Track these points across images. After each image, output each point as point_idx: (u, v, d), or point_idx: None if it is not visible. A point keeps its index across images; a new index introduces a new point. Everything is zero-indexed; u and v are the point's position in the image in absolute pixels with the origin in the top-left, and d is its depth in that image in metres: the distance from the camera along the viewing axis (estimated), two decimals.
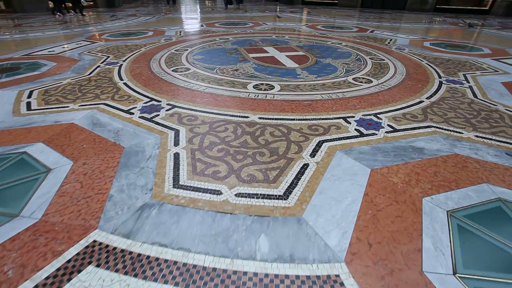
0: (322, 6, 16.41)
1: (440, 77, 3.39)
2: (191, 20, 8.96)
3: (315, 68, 3.60)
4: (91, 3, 14.38)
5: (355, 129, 2.10)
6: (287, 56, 4.18)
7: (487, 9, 12.59)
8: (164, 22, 8.40)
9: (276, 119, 2.24)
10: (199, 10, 13.43)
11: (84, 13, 11.18)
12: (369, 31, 6.92)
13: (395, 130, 2.10)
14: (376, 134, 2.03)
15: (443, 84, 3.12)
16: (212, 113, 2.34)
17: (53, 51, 4.66)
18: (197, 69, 3.52)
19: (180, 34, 6.13)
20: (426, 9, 13.30)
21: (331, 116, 2.29)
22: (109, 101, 2.59)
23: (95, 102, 2.57)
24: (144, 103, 2.55)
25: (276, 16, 10.10)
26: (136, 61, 3.97)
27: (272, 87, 2.90)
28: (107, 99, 2.63)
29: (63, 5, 10.98)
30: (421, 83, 3.15)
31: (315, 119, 2.24)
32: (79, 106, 2.51)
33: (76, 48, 4.87)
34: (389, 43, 5.47)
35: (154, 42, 5.25)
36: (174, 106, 2.47)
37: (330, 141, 1.93)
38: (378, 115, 2.33)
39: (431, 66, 3.84)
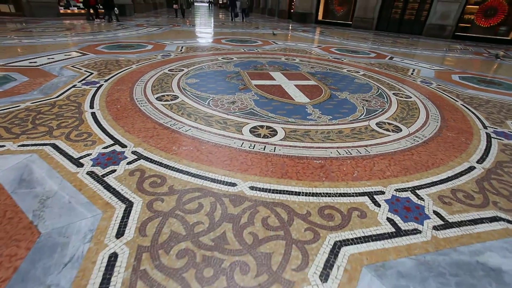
0: (336, 26, 16.05)
1: (485, 126, 2.72)
2: (197, 34, 8.54)
3: (329, 105, 2.97)
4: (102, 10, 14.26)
5: (388, 219, 1.43)
6: (296, 85, 3.57)
7: (510, 39, 11.98)
8: (168, 35, 7.98)
9: (274, 191, 1.58)
10: (209, 23, 13.14)
11: (120, 20, 11.65)
12: (388, 57, 6.33)
13: (447, 224, 1.43)
14: (420, 232, 1.36)
15: (492, 139, 2.45)
16: (188, 173, 1.70)
17: (35, 62, 4.16)
18: (187, 98, 2.92)
19: (180, 50, 5.62)
20: (444, 36, 12.76)
21: (352, 191, 1.63)
22: (61, 141, 1.98)
23: (42, 142, 1.97)
24: (104, 147, 1.94)
25: (272, 33, 9.63)
26: (120, 81, 3.41)
27: (274, 133, 2.26)
28: (60, 137, 2.03)
29: (93, 11, 11.55)
30: (463, 135, 2.49)
31: (330, 195, 1.58)
32: (19, 146, 1.91)
33: (62, 60, 4.37)
34: (412, 73, 4.84)
35: (150, 58, 4.73)
36: (140, 157, 1.84)
37: (351, 244, 1.27)
38: (417, 191, 1.66)
39: (469, 109, 3.18)
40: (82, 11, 14.73)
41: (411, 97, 3.46)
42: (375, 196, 1.59)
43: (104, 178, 1.61)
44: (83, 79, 3.43)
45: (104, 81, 3.39)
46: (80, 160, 1.77)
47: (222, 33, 9.49)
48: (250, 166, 1.80)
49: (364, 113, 2.82)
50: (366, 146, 2.15)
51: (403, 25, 14.16)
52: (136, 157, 1.85)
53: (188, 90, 3.19)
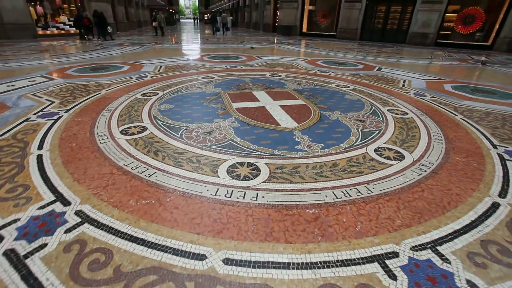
0: (320, 37, 16.14)
1: (494, 145, 2.43)
2: (179, 51, 8.24)
3: (319, 129, 2.63)
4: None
5: None
6: (282, 106, 3.24)
7: (489, 44, 12.19)
8: (149, 54, 7.65)
9: (255, 264, 1.19)
10: (193, 39, 12.93)
11: (114, 38, 11.86)
12: (376, 68, 6.15)
13: None
14: None
15: (506, 161, 2.15)
16: (144, 242, 1.30)
17: None
18: (156, 130, 2.53)
19: (158, 70, 5.27)
20: (427, 43, 12.92)
21: (357, 255, 1.25)
22: None
23: None
24: (40, 207, 1.52)
25: (250, 47, 9.45)
26: (84, 111, 3.00)
27: (256, 172, 1.89)
28: None
29: (87, 31, 11.61)
30: (474, 158, 2.17)
31: (329, 264, 1.20)
32: None
33: (23, 87, 3.94)
34: (403, 85, 4.61)
35: (123, 81, 4.35)
36: (84, 220, 1.43)
37: None
38: (439, 248, 1.30)
39: (471, 125, 2.90)
40: (62, 32, 14.35)
41: (407, 114, 3.17)
42: (387, 262, 1.22)
43: (26, 260, 1.19)
44: (40, 110, 3.01)
45: (65, 112, 2.97)
46: (2, 231, 1.35)
47: (205, 49, 9.24)
48: (226, 225, 1.41)
49: (360, 137, 2.49)
50: (367, 182, 1.79)
51: (386, 34, 14.32)
52: (79, 220, 1.43)
53: (160, 118, 2.80)
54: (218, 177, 1.82)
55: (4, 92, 3.71)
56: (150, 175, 1.83)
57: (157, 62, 6.22)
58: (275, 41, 13.13)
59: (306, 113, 3.03)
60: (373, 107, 3.34)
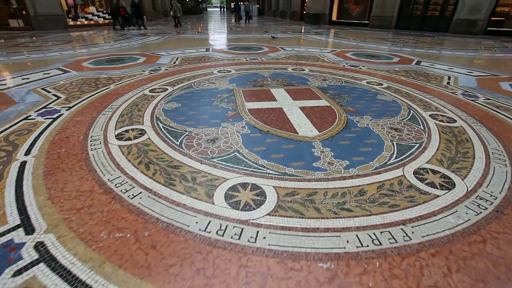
0: (351, 26, 15.05)
1: None
2: (199, 42, 7.94)
3: (344, 139, 2.18)
4: (107, 21, 14.13)
5: None
6: (302, 108, 2.81)
7: None
8: (168, 44, 7.44)
9: None
10: (217, 29, 12.58)
11: (147, 27, 12.16)
12: (414, 62, 5.41)
13: None
14: None
15: None
16: None
17: (4, 84, 3.67)
18: (155, 135, 2.24)
19: (174, 62, 5.01)
20: (475, 32, 11.46)
21: None
22: None
23: None
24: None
25: (271, 37, 8.83)
26: (86, 109, 2.80)
27: (260, 198, 1.52)
28: None
29: (120, 20, 11.93)
30: None
31: None
32: None
33: (36, 80, 3.86)
34: (448, 83, 3.94)
35: (135, 74, 4.13)
36: (41, 258, 1.17)
37: None
38: None
39: None
40: (92, 22, 14.69)
41: (455, 121, 2.60)
42: None
43: None
44: (44, 107, 2.85)
45: (67, 109, 2.79)
46: None
47: (227, 39, 8.87)
48: (209, 281, 1.07)
49: (395, 152, 2.01)
50: (404, 222, 1.36)
51: (427, 22, 12.94)
52: (36, 256, 1.17)
53: (162, 120, 2.51)
54: (213, 203, 1.48)
55: (17, 85, 3.64)
56: (134, 196, 1.53)
57: (175, 53, 5.97)
58: (302, 30, 12.41)
59: (329, 118, 2.58)
60: (411, 111, 2.80)
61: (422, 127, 2.44)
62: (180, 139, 2.17)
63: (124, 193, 1.56)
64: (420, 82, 3.93)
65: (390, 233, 1.30)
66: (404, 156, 1.97)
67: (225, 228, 1.32)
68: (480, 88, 3.74)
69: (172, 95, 3.20)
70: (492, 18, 11.38)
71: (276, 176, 1.71)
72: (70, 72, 4.34)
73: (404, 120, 2.58)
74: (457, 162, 1.90)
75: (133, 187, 1.61)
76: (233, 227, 1.33)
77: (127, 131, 2.32)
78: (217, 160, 1.89)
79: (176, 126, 2.40)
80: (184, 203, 1.49)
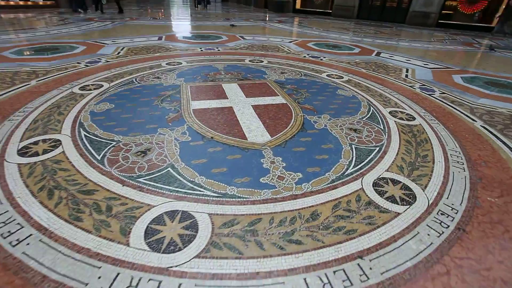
0: (315, 15, 14.97)
1: None
2: (152, 29, 7.22)
3: (299, 145, 1.94)
4: (48, 2, 12.45)
5: None
6: (255, 107, 2.51)
7: (493, 26, 11.35)
8: (117, 31, 6.65)
9: None
10: (174, 15, 11.69)
11: (104, 11, 10.84)
12: (374, 53, 5.37)
13: None
14: None
15: None
16: None
17: None
18: (72, 148, 1.81)
19: (118, 53, 4.40)
20: (428, 24, 11.99)
21: None
22: None
23: None
24: None
25: (230, 25, 8.43)
26: None
27: (191, 231, 1.21)
28: None
29: (77, 3, 10.62)
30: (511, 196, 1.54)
31: None
32: None
33: None
34: (407, 76, 3.89)
35: (66, 68, 3.51)
36: None
37: None
38: None
39: (495, 136, 2.25)
40: (29, 3, 12.81)
41: (414, 118, 2.49)
42: None
43: None
44: None
45: None
46: None
47: (184, 26, 8.22)
48: None
49: (353, 158, 1.81)
50: (360, 255, 1.14)
51: (386, 13, 13.27)
52: None
53: (87, 127, 2.06)
54: (128, 245, 1.15)
55: None
56: (19, 242, 1.14)
57: (122, 42, 5.31)
58: (265, 18, 12.01)
59: (284, 118, 2.32)
60: (371, 108, 2.65)
61: (382, 127, 2.29)
62: (103, 152, 1.76)
63: (5, 237, 1.16)
64: (380, 75, 3.84)
65: (344, 272, 1.07)
66: (363, 163, 1.77)
67: (137, 283, 1.00)
68: (435, 81, 3.73)
69: (106, 93, 2.72)
70: (443, 12, 11.97)
71: (214, 198, 1.41)
72: None
73: (364, 119, 2.40)
74: (418, 168, 1.75)
75: (21, 228, 1.21)
76: (148, 280, 1.01)
77: (36, 142, 1.85)
78: (145, 179, 1.53)
79: (102, 134, 1.97)
80: (88, 247, 1.13)
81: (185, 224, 1.25)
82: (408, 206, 1.42)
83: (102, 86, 2.91)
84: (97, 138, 1.91)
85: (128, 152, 1.77)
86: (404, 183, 1.60)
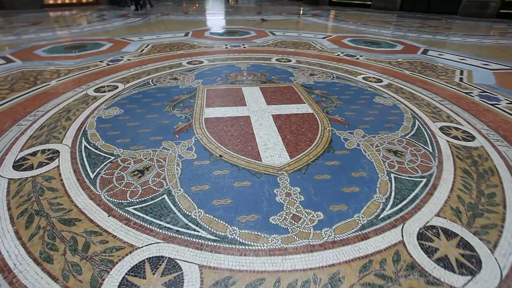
0: (353, 8, 13.98)
1: None
2: (180, 25, 7.12)
3: (324, 171, 1.59)
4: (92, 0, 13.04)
5: None
6: (276, 117, 2.19)
7: None
8: (146, 27, 6.65)
9: None
10: (205, 10, 11.60)
11: (152, 5, 11.26)
12: (420, 50, 4.70)
13: None
14: None
15: None
16: None
17: None
18: (68, 162, 1.65)
19: (141, 50, 4.31)
20: (487, 15, 10.53)
21: None
22: None
23: None
24: None
25: (261, 20, 7.92)
26: (1, 116, 2.19)
27: None
28: None
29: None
30: None
31: None
32: None
33: None
34: (461, 79, 3.29)
35: (88, 67, 3.47)
36: None
37: None
38: None
39: None
40: (74, 1, 13.58)
41: (474, 138, 1.99)
42: None
43: None
44: None
45: None
46: None
47: (213, 21, 8.03)
48: None
49: (392, 193, 1.43)
50: None
51: (434, 3, 11.93)
52: None
53: (89, 136, 1.91)
54: None
55: None
56: None
57: (148, 39, 5.24)
58: (299, 11, 11.44)
59: (309, 133, 1.97)
60: (416, 122, 2.19)
61: (430, 148, 1.84)
62: (98, 169, 1.57)
63: None
64: (428, 78, 3.28)
65: None
66: (405, 202, 1.38)
67: None
68: (500, 86, 3.09)
69: (119, 96, 2.57)
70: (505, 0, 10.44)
71: (209, 243, 1.14)
72: (14, 62, 3.68)
73: (407, 137, 1.97)
74: (482, 215, 1.32)
75: None
76: None
77: (35, 153, 1.73)
78: (135, 208, 1.31)
79: (103, 146, 1.80)
80: None
81: (168, 279, 0.99)
82: (469, 278, 1.02)
83: (117, 87, 2.78)
84: (96, 151, 1.74)
85: (125, 171, 1.56)
86: (462, 237, 1.19)
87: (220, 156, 1.69)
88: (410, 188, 1.47)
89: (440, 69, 3.68)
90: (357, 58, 4.09)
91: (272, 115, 2.22)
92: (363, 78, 3.22)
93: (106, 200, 1.35)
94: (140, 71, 3.31)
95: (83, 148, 1.77)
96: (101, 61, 3.71)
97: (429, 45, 5.14)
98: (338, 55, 4.27)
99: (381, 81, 3.12)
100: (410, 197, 1.41)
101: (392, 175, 1.57)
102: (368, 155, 1.74)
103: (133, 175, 1.53)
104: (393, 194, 1.43)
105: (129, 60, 3.80)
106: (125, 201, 1.35)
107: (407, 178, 1.55)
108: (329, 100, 2.55)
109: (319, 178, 1.53)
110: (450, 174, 1.60)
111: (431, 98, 2.70)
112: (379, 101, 2.57)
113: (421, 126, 2.12)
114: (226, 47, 4.60)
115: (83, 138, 1.88)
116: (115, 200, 1.35)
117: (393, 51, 4.61)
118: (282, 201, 1.36)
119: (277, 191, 1.42)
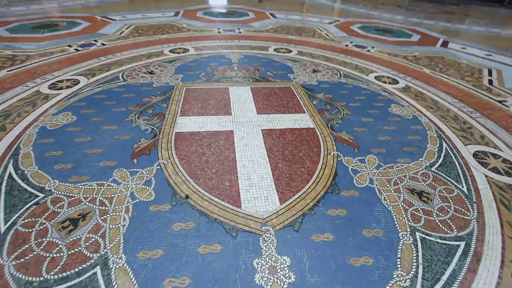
0: None
1: None
2: (171, 3, 6.41)
3: (325, 227, 1.16)
4: None
5: None
6: (266, 133, 1.73)
7: None
8: (133, 3, 5.96)
9: None
10: None
11: None
12: (440, 42, 4.14)
13: None
14: None
15: None
16: None
17: None
18: None
19: (121, 32, 3.75)
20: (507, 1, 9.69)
21: None
22: None
23: None
24: None
25: (258, 0, 7.15)
26: None
27: None
28: None
29: None
30: None
31: None
32: None
33: None
34: (491, 81, 2.79)
35: (52, 52, 2.94)
36: None
37: None
38: None
39: None
40: None
41: None
42: None
43: None
44: None
45: None
46: None
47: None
48: None
49: (419, 271, 1.01)
50: None
51: None
52: None
53: (21, 157, 1.46)
54: None
55: None
56: None
57: (132, 18, 4.63)
58: None
59: (307, 161, 1.52)
60: (444, 145, 1.74)
61: (465, 188, 1.41)
62: (16, 216, 1.14)
63: None
64: (451, 80, 2.78)
65: None
66: (437, 283, 0.97)
67: None
68: None
69: (77, 95, 2.09)
70: None
71: None
72: None
73: (433, 169, 1.53)
74: None
75: None
76: None
77: None
78: None
79: (34, 175, 1.35)
80: None
81: None
82: None
83: (78, 82, 2.29)
84: (22, 184, 1.30)
85: (52, 220, 1.13)
86: None
87: (187, 197, 1.26)
88: (444, 260, 1.06)
89: (464, 67, 3.17)
90: (368, 50, 3.55)
91: (262, 129, 1.76)
92: (376, 77, 2.72)
93: (8, 276, 0.93)
94: (112, 60, 2.79)
95: (6, 177, 1.33)
96: (69, 46, 3.17)
97: (449, 35, 4.56)
98: (347, 45, 3.72)
99: (397, 82, 2.62)
100: (444, 278, 1.00)
101: (417, 234, 1.15)
102: (385, 199, 1.31)
103: (62, 228, 1.10)
104: (420, 270, 1.02)
105: (104, 45, 3.26)
106: (37, 280, 0.93)
107: (439, 240, 1.13)
108: (335, 108, 2.08)
109: (317, 239, 1.11)
110: (496, 234, 1.18)
111: (459, 108, 2.22)
112: (396, 111, 2.10)
113: (449, 152, 1.68)
114: (219, 31, 4.03)
115: (11, 160, 1.44)
116: (22, 277, 0.93)
117: (409, 42, 4.05)
118: (263, 284, 0.94)
119: (257, 264, 1.00)
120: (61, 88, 2.19)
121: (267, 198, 1.27)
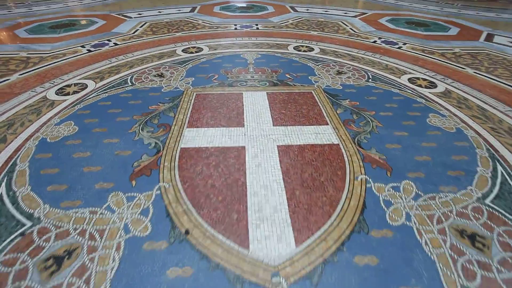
0: None
1: None
2: None
3: (349, 282, 0.94)
4: None
5: None
6: (283, 150, 1.52)
7: None
8: (150, 0, 5.88)
9: None
10: None
11: None
12: (483, 36, 3.67)
13: None
14: None
15: None
16: None
17: None
18: None
19: (134, 31, 3.64)
20: None
21: None
22: None
23: None
24: None
25: None
26: None
27: None
28: None
29: None
30: None
31: None
32: None
33: None
34: None
35: (64, 54, 2.88)
36: None
37: None
38: None
39: None
40: None
41: None
42: None
43: None
44: None
45: None
46: None
47: None
48: None
49: None
50: None
51: None
52: None
53: (15, 177, 1.35)
54: None
55: None
56: None
57: (148, 15, 4.53)
58: None
59: (330, 188, 1.29)
60: (499, 169, 1.43)
61: None
62: None
63: None
64: (501, 82, 2.40)
65: None
66: None
67: None
68: None
69: (82, 102, 1.98)
70: None
71: None
72: None
73: (487, 201, 1.24)
74: None
75: None
76: None
77: None
78: None
79: (25, 197, 1.24)
80: None
81: None
82: None
83: (86, 87, 2.19)
84: (11, 208, 1.18)
85: (35, 257, 1.00)
86: None
87: (187, 232, 1.08)
88: None
89: None
90: (399, 47, 3.20)
91: (278, 145, 1.55)
92: (409, 79, 2.40)
93: None
94: (122, 62, 2.67)
95: None
96: (82, 46, 3.10)
97: (494, 28, 4.04)
98: (375, 41, 3.38)
99: (435, 86, 2.29)
100: None
101: None
102: (426, 243, 1.06)
103: (44, 268, 0.97)
104: None
105: (116, 44, 3.16)
106: None
107: None
108: (362, 118, 1.82)
109: None
110: None
111: (508, 118, 1.88)
112: (435, 122, 1.80)
113: (507, 178, 1.38)
114: (235, 28, 3.81)
115: (5, 179, 1.33)
116: None
117: (446, 37, 3.62)
118: None
119: None
120: (68, 94, 2.09)
121: (281, 238, 1.06)
